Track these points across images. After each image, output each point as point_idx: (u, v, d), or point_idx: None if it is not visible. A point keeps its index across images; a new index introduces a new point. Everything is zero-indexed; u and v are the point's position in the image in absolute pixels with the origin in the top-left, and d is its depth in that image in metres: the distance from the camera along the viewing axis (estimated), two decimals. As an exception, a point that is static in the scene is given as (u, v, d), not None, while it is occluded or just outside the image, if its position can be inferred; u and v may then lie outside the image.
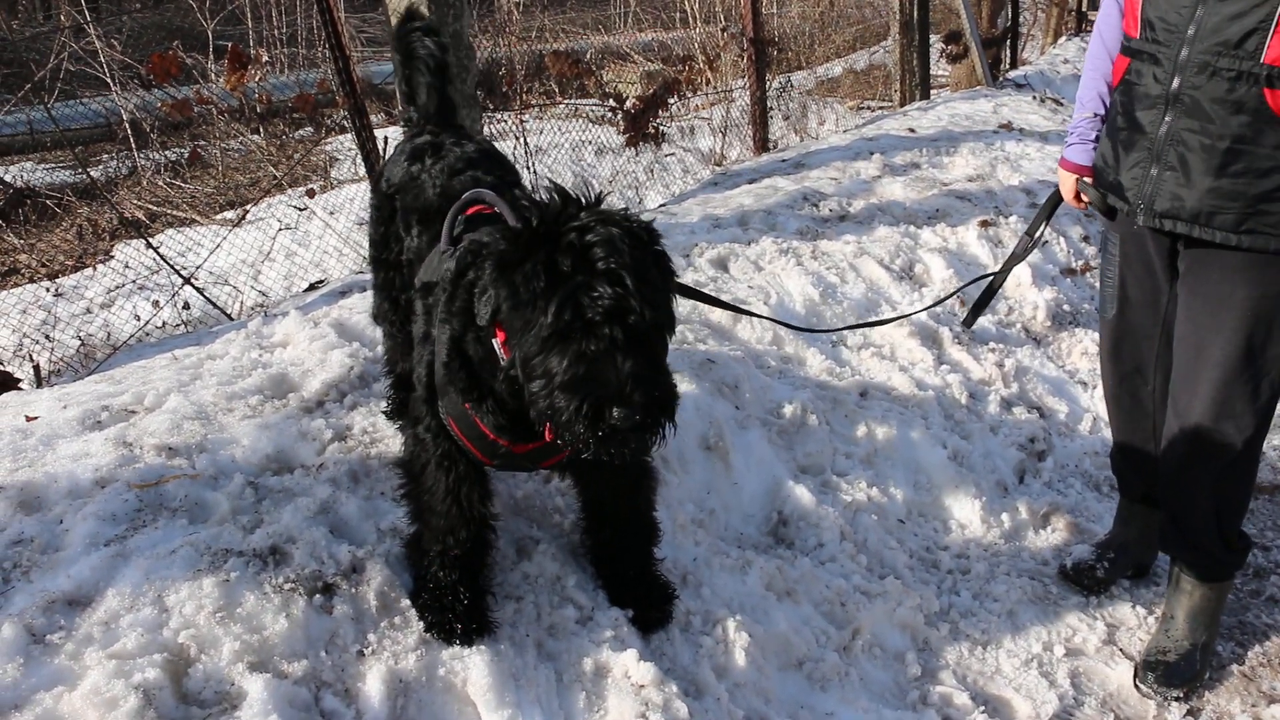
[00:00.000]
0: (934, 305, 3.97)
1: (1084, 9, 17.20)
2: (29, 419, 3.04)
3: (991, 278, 3.69)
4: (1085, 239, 6.50)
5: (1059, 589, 3.69)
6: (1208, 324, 2.99)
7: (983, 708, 3.05)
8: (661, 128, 7.89)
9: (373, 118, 7.81)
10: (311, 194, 7.92)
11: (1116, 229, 3.29)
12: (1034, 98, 10.17)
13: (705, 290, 4.50)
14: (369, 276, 3.22)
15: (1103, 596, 3.66)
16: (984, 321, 5.12)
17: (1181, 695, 3.22)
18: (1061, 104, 10.30)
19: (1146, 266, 3.20)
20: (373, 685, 2.31)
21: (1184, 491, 3.20)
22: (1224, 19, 2.71)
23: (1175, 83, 2.85)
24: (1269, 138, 2.71)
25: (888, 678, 3.11)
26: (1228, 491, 3.16)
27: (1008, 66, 12.74)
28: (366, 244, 3.26)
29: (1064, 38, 16.31)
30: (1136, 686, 3.26)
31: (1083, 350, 5.25)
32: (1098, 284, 5.97)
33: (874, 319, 3.64)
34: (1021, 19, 14.07)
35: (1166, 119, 2.90)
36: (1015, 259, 3.63)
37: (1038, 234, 3.57)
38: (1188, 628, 3.29)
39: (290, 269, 7.34)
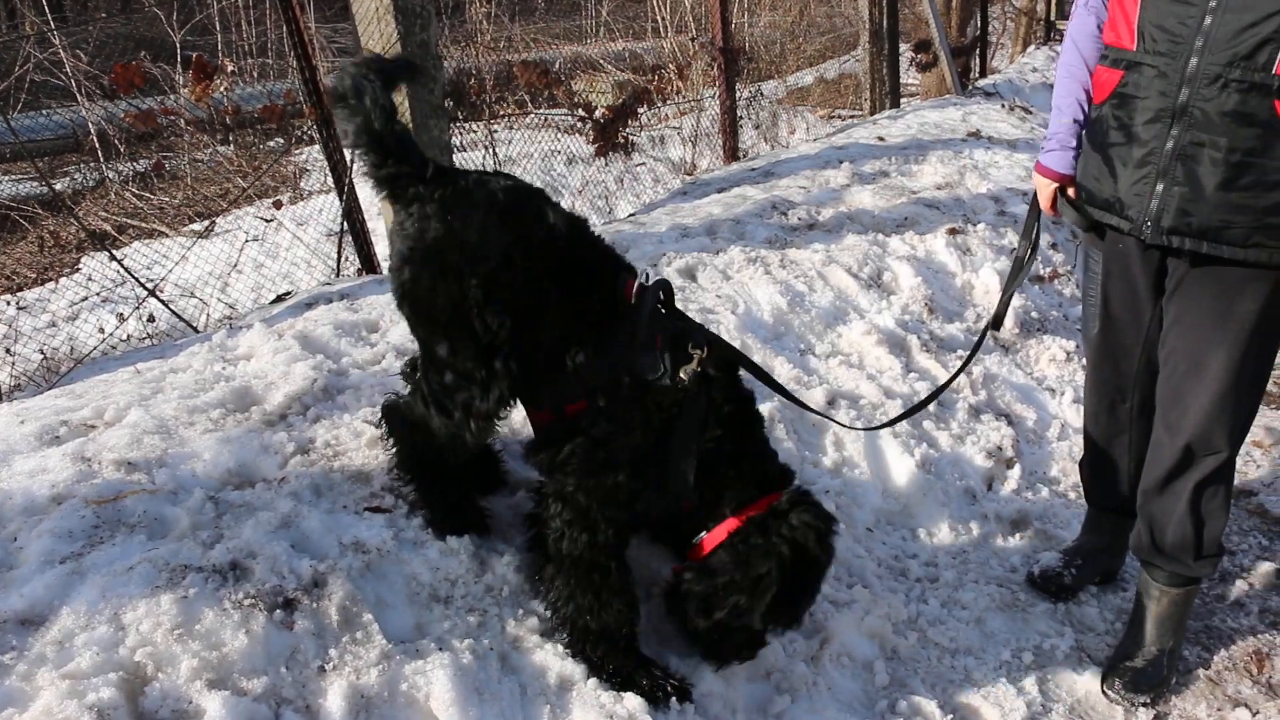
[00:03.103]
0: (915, 410, 3.77)
1: (1052, 18, 17.36)
2: (-14, 435, 3.00)
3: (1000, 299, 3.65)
4: (1054, 246, 6.54)
5: (1027, 596, 3.70)
6: (1205, 338, 2.97)
7: (951, 716, 3.05)
8: (631, 137, 7.89)
9: (341, 128, 7.77)
10: (278, 205, 7.88)
11: (1098, 247, 3.26)
12: (1003, 106, 10.23)
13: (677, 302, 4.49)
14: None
15: (1070, 603, 3.68)
16: (952, 329, 5.13)
17: (1148, 700, 3.23)
18: (1030, 112, 10.38)
19: (1130, 284, 3.18)
20: (334, 701, 2.28)
21: (1166, 502, 3.20)
22: (1236, 29, 2.65)
23: (1183, 95, 2.76)
24: (1278, 150, 2.68)
25: (856, 687, 3.10)
26: (1209, 500, 3.16)
27: (977, 75, 12.83)
28: (442, 353, 2.58)
29: (1033, 46, 16.45)
30: (1104, 692, 3.27)
31: (1051, 357, 5.28)
32: (1072, 290, 6.03)
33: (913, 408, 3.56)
34: (991, 28, 14.16)
35: (1173, 132, 2.82)
36: (1021, 268, 3.57)
37: (1034, 235, 3.52)
38: (1155, 633, 3.30)
39: (258, 281, 7.29)
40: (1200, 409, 3.04)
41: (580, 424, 2.62)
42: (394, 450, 2.85)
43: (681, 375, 2.62)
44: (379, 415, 2.90)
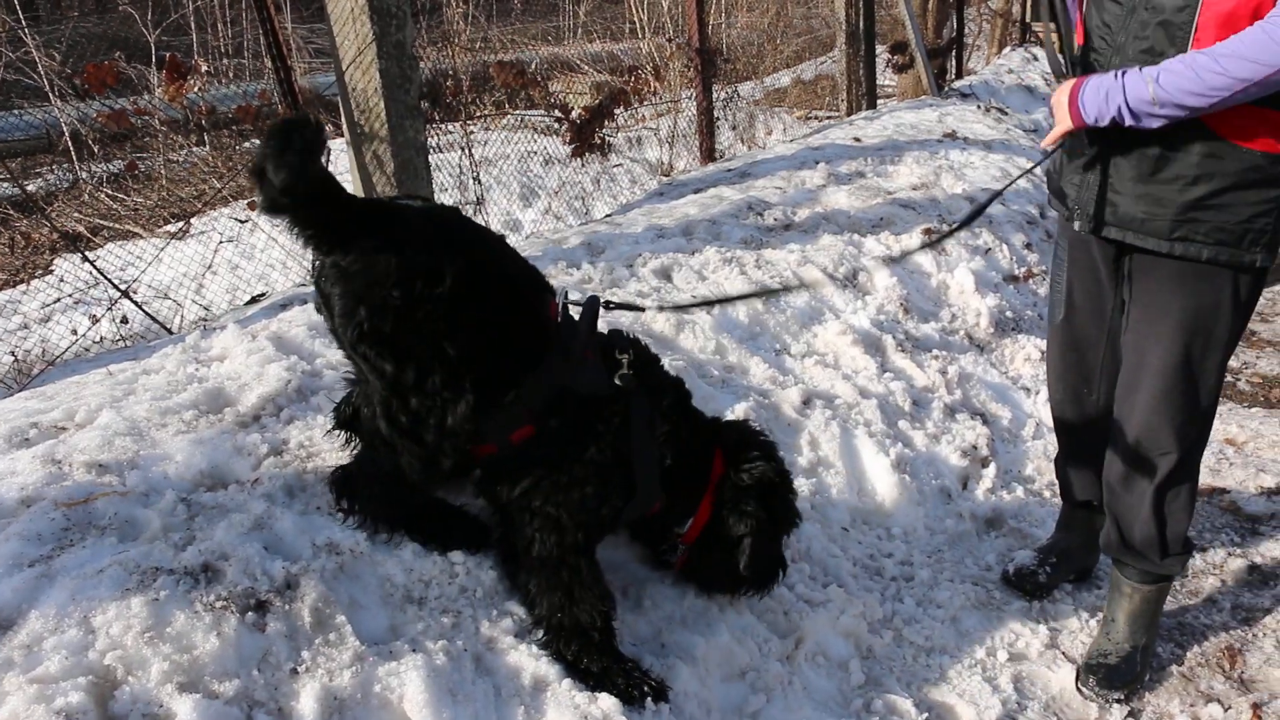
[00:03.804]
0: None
1: (1027, 20, 17.43)
2: (-46, 437, 2.97)
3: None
4: (1028, 246, 6.57)
5: (1002, 594, 3.72)
6: (1147, 332, 3.02)
7: (926, 714, 3.06)
8: (608, 138, 7.89)
9: (317, 129, 7.72)
10: (253, 206, 7.82)
11: (1065, 235, 3.32)
12: (979, 107, 10.27)
13: (648, 300, 4.49)
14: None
15: (1045, 601, 3.70)
16: (927, 329, 5.16)
17: (1122, 697, 3.25)
18: (1006, 113, 10.42)
19: (1093, 274, 3.23)
20: (306, 703, 2.27)
21: (1127, 499, 3.23)
22: (1148, 25, 2.73)
23: None
24: (1195, 146, 2.74)
25: (831, 686, 3.11)
26: (1170, 500, 3.17)
27: (953, 76, 12.87)
28: None
29: (1008, 48, 16.51)
30: (1078, 689, 3.29)
31: (1025, 356, 5.31)
32: (1046, 290, 6.06)
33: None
34: (966, 30, 14.22)
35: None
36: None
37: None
38: (1128, 630, 3.32)
39: (234, 282, 7.26)
40: (1144, 405, 3.08)
41: (529, 451, 2.64)
42: (365, 512, 2.77)
43: (617, 381, 2.71)
44: (334, 493, 2.79)
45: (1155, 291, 2.98)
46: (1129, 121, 2.73)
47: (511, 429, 2.63)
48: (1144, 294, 3.02)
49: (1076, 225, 3.09)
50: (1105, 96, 2.74)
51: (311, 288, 4.30)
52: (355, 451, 2.82)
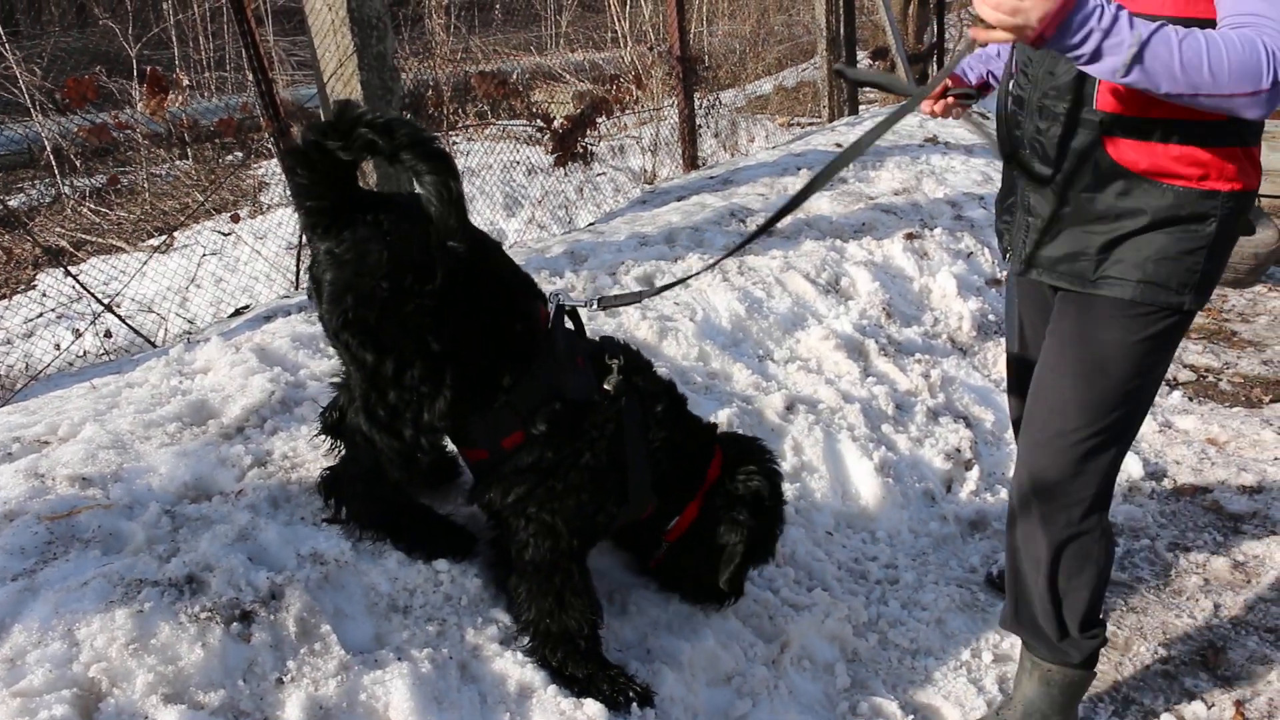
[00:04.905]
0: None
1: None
2: (-63, 453, 2.97)
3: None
4: (1009, 250, 6.60)
5: (986, 596, 3.73)
6: (1052, 364, 2.80)
7: (911, 716, 3.08)
8: (591, 147, 7.91)
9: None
10: (236, 219, 7.83)
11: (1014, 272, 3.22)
12: (959, 112, 10.30)
13: (631, 308, 4.51)
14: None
15: (1029, 602, 3.70)
16: (910, 333, 5.18)
17: None
18: (987, 117, 10.45)
19: (1040, 310, 3.02)
20: (292, 713, 2.27)
21: (1018, 559, 2.92)
22: (1055, 60, 2.54)
23: (1031, 127, 2.69)
24: (1112, 186, 2.56)
25: (817, 689, 3.12)
26: (1067, 569, 2.82)
27: (934, 82, 12.93)
28: None
29: (989, 53, 16.58)
30: None
31: (1008, 359, 5.34)
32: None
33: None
34: (947, 35, 14.29)
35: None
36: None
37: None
38: (1021, 715, 3.02)
39: (218, 295, 7.26)
40: (1040, 449, 2.81)
41: (521, 456, 2.65)
42: (352, 513, 2.79)
43: (607, 387, 2.72)
44: (322, 494, 2.82)
45: (1070, 326, 2.74)
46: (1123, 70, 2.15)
47: (503, 434, 2.64)
48: (1059, 327, 2.78)
49: (1011, 268, 2.90)
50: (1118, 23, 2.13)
51: (295, 299, 4.32)
52: (341, 454, 2.83)
